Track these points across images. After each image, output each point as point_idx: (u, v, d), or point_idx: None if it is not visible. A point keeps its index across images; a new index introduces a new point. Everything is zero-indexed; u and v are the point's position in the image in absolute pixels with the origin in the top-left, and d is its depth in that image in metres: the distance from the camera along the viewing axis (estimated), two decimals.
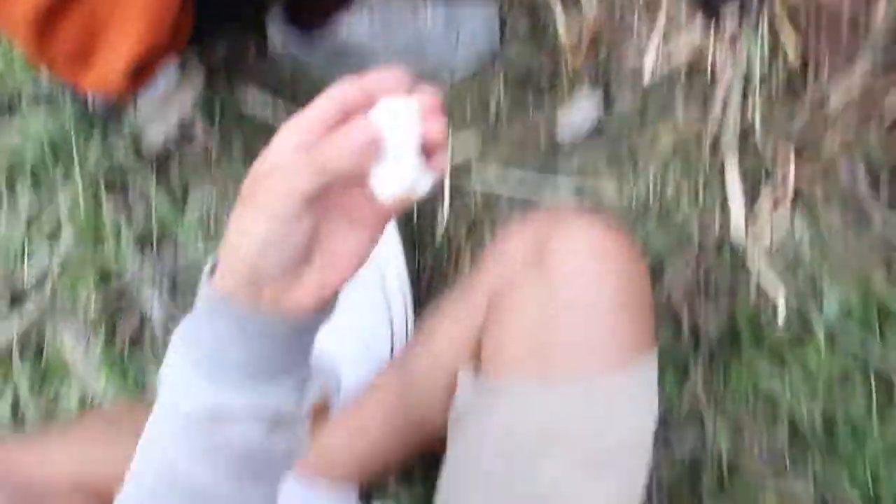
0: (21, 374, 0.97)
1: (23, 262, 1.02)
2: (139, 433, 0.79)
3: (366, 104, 0.40)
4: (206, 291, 0.44)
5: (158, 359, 0.98)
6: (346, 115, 0.40)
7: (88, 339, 0.98)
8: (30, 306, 1.00)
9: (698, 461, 0.93)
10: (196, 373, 0.45)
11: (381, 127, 0.38)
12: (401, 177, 0.39)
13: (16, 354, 0.98)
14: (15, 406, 0.97)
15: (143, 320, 1.00)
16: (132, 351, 0.99)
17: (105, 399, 0.96)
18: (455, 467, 0.73)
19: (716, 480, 0.92)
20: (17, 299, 1.01)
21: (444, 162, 0.41)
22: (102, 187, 1.03)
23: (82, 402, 0.96)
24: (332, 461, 0.86)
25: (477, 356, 0.73)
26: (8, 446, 0.77)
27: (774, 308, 0.96)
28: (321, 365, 0.90)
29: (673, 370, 0.95)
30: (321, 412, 0.90)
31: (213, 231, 1.02)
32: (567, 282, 0.68)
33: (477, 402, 0.71)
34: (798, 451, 0.93)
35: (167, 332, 0.98)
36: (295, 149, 0.39)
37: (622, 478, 0.69)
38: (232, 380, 0.44)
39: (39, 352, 0.99)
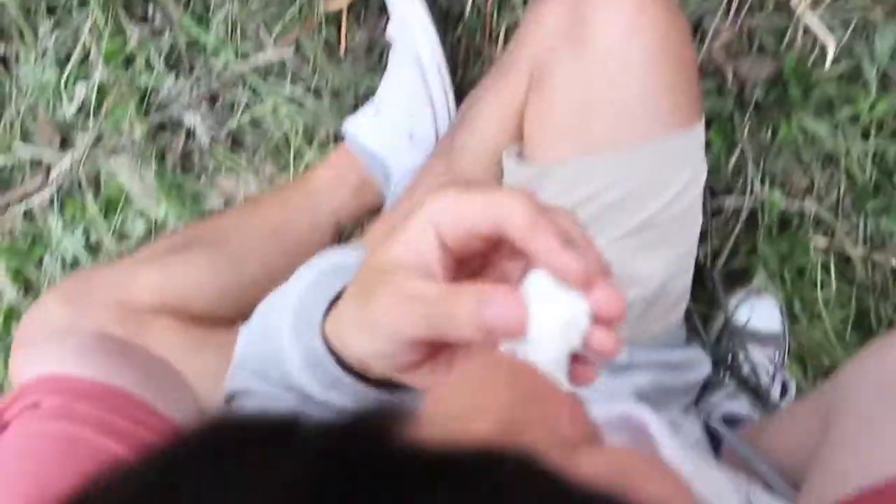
0: (87, 207, 1.01)
1: (61, 100, 1.02)
2: (212, 254, 0.84)
3: (525, 246, 0.32)
4: (316, 322, 0.43)
5: (210, 176, 1.01)
6: (496, 242, 0.33)
7: (140, 166, 1.00)
8: (79, 142, 1.02)
9: (749, 216, 0.94)
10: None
11: (532, 312, 0.30)
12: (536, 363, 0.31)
13: (76, 189, 1.02)
14: (87, 238, 1.01)
15: (189, 138, 1.02)
16: (184, 171, 1.02)
17: (168, 222, 1.00)
18: None
19: (766, 232, 0.94)
20: (66, 139, 1.03)
21: (594, 376, 0.33)
22: (122, 10, 1.00)
23: (148, 230, 1.01)
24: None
25: (520, 136, 0.73)
26: (93, 273, 0.81)
27: (823, 51, 0.92)
28: (368, 157, 0.92)
29: (719, 128, 0.93)
30: (374, 203, 0.93)
31: (240, 43, 0.99)
32: (606, 51, 0.66)
33: (524, 185, 0.72)
34: (848, 197, 0.93)
35: (213, 145, 1.00)
36: (423, 267, 0.33)
37: (674, 243, 0.70)
38: None
39: (98, 186, 1.02)
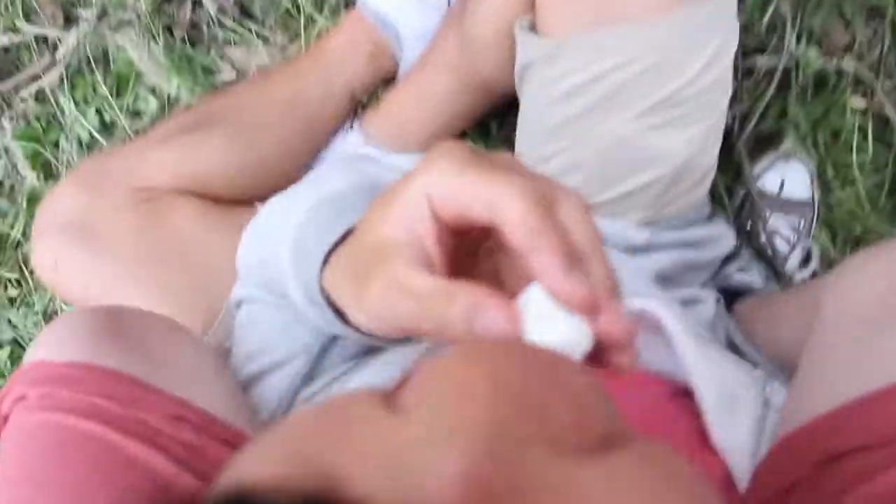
0: (99, 84, 0.99)
1: None
2: (225, 131, 0.82)
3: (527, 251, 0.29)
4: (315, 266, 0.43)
5: (220, 47, 0.98)
6: (490, 232, 0.30)
7: (148, 41, 0.97)
8: (83, 19, 0.99)
9: (783, 76, 0.89)
10: None
11: (528, 330, 0.28)
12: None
13: (85, 68, 1.00)
14: (101, 118, 1.00)
15: (196, 8, 0.98)
16: (193, 44, 0.99)
17: (181, 98, 0.98)
18: (529, 119, 0.73)
19: (800, 93, 0.90)
20: (69, 17, 1.00)
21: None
22: None
23: (161, 106, 0.99)
24: (404, 134, 0.88)
25: (532, 5, 0.69)
26: (106, 157, 0.81)
27: None
28: (380, 21, 0.88)
29: None
30: (389, 70, 0.90)
31: None
32: None
33: (538, 57, 0.68)
34: (892, 55, 0.88)
35: (221, 15, 0.96)
36: (416, 252, 0.31)
37: (700, 119, 0.66)
38: None
39: (107, 64, 1.00)
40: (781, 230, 0.90)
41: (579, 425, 0.21)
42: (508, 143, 0.84)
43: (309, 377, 0.63)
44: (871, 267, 0.45)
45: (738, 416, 0.49)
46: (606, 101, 0.64)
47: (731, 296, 0.78)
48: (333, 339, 0.63)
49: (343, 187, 0.49)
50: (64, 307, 1.02)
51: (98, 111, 0.99)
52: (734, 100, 0.88)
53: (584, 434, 0.21)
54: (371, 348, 0.63)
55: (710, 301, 0.75)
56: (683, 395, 0.53)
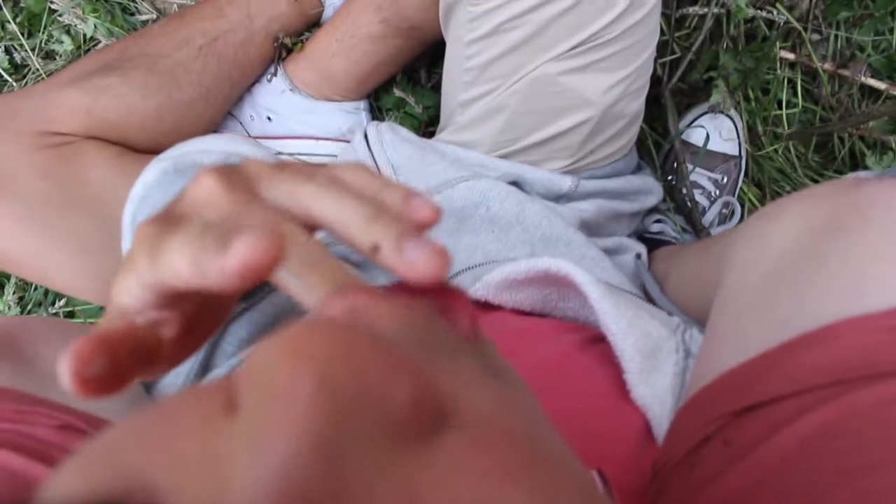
0: (9, 22, 0.95)
1: None
2: (142, 73, 0.79)
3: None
4: None
5: None
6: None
7: None
8: None
9: (714, 28, 0.89)
10: None
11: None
12: None
13: None
14: (11, 59, 0.96)
15: None
16: None
17: (98, 37, 0.94)
18: (453, 59, 0.72)
19: (730, 44, 0.90)
20: None
21: None
22: None
23: (77, 47, 0.95)
24: (329, 80, 0.86)
25: None
26: (13, 97, 0.77)
27: None
28: None
29: None
30: (314, 14, 0.88)
31: None
32: None
33: None
34: (819, 8, 0.88)
35: None
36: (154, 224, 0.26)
37: (626, 63, 0.65)
38: None
39: (16, 1, 0.96)
40: (703, 184, 0.91)
41: (420, 403, 0.19)
42: (437, 91, 0.83)
43: (205, 369, 0.61)
44: (775, 221, 0.45)
45: (660, 370, 0.49)
46: (529, 41, 0.64)
47: (648, 244, 0.79)
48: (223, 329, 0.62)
49: (193, 156, 0.48)
50: None
51: (7, 50, 0.95)
52: (665, 50, 0.87)
53: (424, 413, 0.19)
54: (266, 329, 0.62)
55: (633, 250, 0.75)
56: (601, 340, 0.53)
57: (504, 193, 0.67)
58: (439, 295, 0.24)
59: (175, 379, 0.61)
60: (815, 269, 0.38)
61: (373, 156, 0.72)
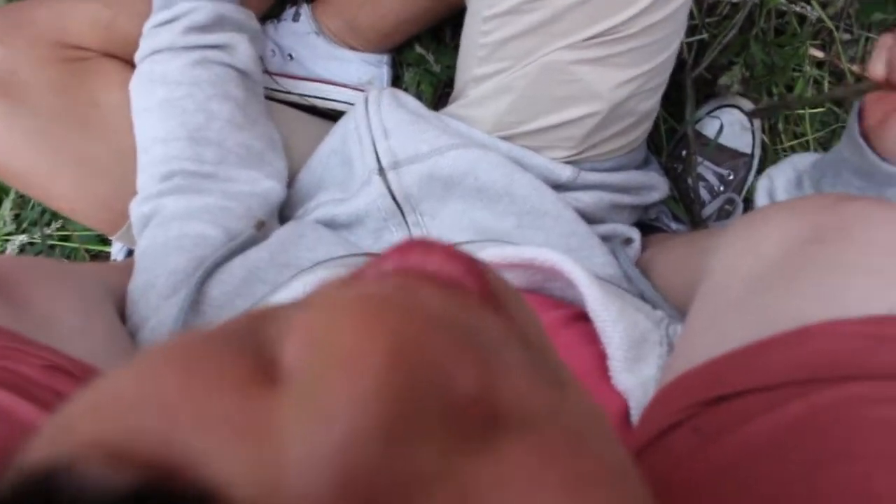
0: None
1: None
2: None
3: None
4: None
5: None
6: None
7: None
8: None
9: (746, 17, 0.91)
10: None
11: None
12: None
13: None
14: None
15: None
16: None
17: None
18: (469, 34, 0.73)
19: (760, 36, 0.91)
20: None
21: None
22: None
23: None
24: (354, 31, 0.87)
25: None
26: (27, 6, 0.76)
27: None
28: None
29: None
30: None
31: None
32: None
33: None
34: (854, 7, 0.90)
35: None
36: None
37: (643, 60, 0.66)
38: None
39: None
40: (707, 177, 0.93)
41: (482, 395, 0.18)
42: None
43: (193, 322, 0.62)
44: (761, 229, 0.47)
45: (644, 361, 0.51)
46: (546, 25, 0.65)
47: (641, 229, 0.80)
48: (214, 267, 0.64)
49: None
50: None
51: None
52: (692, 34, 0.89)
53: (484, 407, 0.18)
54: (258, 279, 0.64)
55: (624, 236, 0.76)
56: (582, 319, 0.54)
57: (493, 163, 0.69)
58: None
59: (160, 326, 0.63)
60: (796, 275, 0.41)
61: (368, 117, 0.74)
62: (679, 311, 0.60)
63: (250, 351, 0.19)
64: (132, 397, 0.18)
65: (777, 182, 0.75)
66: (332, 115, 0.89)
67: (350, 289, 0.19)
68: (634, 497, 0.19)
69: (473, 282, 0.22)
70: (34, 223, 1.02)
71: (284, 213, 0.79)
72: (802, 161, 0.74)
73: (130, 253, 0.88)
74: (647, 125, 0.75)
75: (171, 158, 0.70)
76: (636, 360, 0.50)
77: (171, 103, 0.71)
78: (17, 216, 1.03)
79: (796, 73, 0.93)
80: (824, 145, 0.96)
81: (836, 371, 0.34)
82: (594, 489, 0.18)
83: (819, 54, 0.90)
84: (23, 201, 1.03)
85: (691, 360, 0.42)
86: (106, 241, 1.01)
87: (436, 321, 0.18)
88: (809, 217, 0.44)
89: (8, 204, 1.02)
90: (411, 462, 0.16)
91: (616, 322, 0.51)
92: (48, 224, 1.02)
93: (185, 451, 0.16)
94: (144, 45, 0.73)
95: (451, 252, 0.22)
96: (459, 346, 0.18)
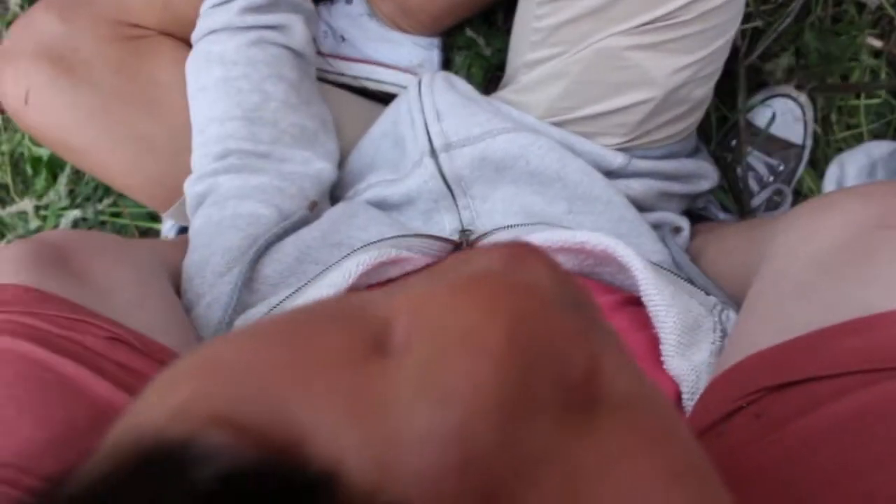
0: None
1: None
2: None
3: None
4: None
5: None
6: None
7: None
8: None
9: (802, 7, 0.90)
10: None
11: None
12: None
13: None
14: None
15: None
16: None
17: None
18: (523, 19, 0.73)
19: (816, 24, 0.90)
20: None
21: None
22: None
23: None
24: (406, 13, 0.88)
25: None
26: None
27: None
28: None
29: None
30: None
31: None
32: None
33: None
34: None
35: None
36: None
37: (698, 47, 0.66)
38: None
39: None
40: (757, 167, 0.92)
41: (589, 377, 0.18)
42: (510, 36, 0.84)
43: (247, 300, 0.63)
44: (826, 214, 0.47)
45: (697, 346, 0.51)
46: (602, 10, 0.65)
47: (690, 218, 0.80)
48: (267, 246, 0.65)
49: None
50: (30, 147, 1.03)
51: None
52: (747, 21, 0.88)
53: (591, 386, 0.18)
54: (310, 258, 0.65)
55: (674, 224, 0.76)
56: (633, 304, 0.55)
57: (546, 148, 0.69)
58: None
59: (214, 303, 0.64)
60: (863, 262, 0.40)
61: (420, 100, 0.74)
62: (732, 298, 0.60)
63: (358, 329, 0.19)
64: (241, 371, 0.18)
65: (848, 169, 0.74)
66: (383, 98, 0.90)
67: (460, 270, 0.19)
68: (716, 485, 0.19)
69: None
70: (88, 199, 1.05)
71: (335, 193, 0.80)
72: (879, 148, 0.73)
73: (182, 231, 0.90)
74: (700, 113, 0.74)
75: (226, 137, 0.71)
76: (689, 345, 0.50)
77: (227, 83, 0.72)
78: (71, 191, 1.05)
79: (853, 63, 0.91)
80: (879, 137, 0.94)
81: None
82: (689, 475, 0.18)
83: (877, 43, 0.89)
84: (77, 177, 1.05)
85: (752, 346, 0.42)
86: (156, 219, 1.03)
87: (551, 301, 0.18)
88: (878, 201, 0.44)
89: (63, 179, 1.04)
90: (527, 443, 0.16)
91: (670, 306, 0.51)
92: (101, 200, 1.05)
93: (299, 427, 0.16)
94: (202, 25, 0.74)
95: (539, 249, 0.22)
96: (574, 326, 0.18)
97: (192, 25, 0.76)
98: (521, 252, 0.21)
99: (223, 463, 0.15)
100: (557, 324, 0.18)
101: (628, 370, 0.20)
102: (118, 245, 0.61)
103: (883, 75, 0.91)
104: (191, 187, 0.73)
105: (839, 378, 0.35)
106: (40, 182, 1.05)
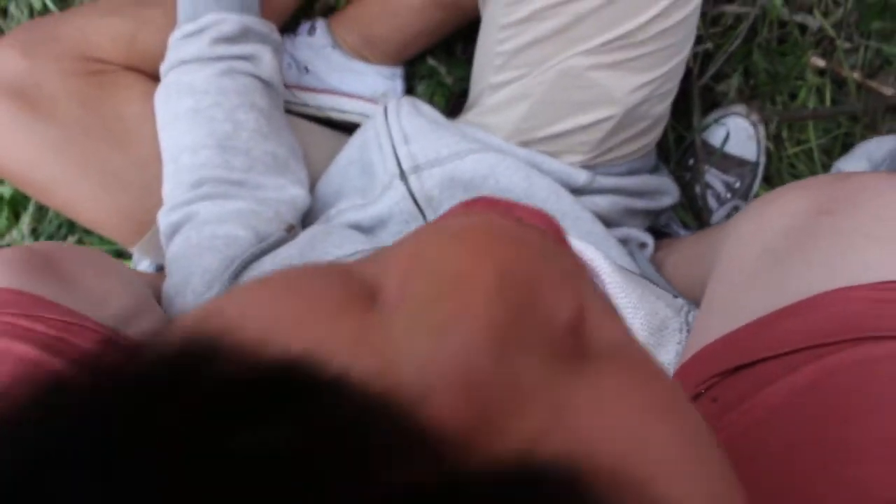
0: None
1: None
2: None
3: None
4: None
5: None
6: None
7: None
8: None
9: (749, 28, 0.94)
10: None
11: None
12: None
13: None
14: None
15: None
16: None
17: None
18: (485, 43, 0.76)
19: (763, 45, 0.95)
20: None
21: None
22: None
23: None
24: (369, 44, 0.90)
25: None
26: (52, 21, 0.79)
27: None
28: None
29: None
30: None
31: None
32: None
33: None
34: (854, 16, 0.93)
35: None
36: None
37: (656, 65, 0.68)
38: None
39: None
40: (715, 185, 0.95)
41: (576, 323, 0.20)
42: (471, 63, 0.87)
43: None
44: (772, 205, 0.50)
45: (664, 347, 0.53)
46: (563, 32, 0.67)
47: (655, 235, 0.83)
48: (244, 265, 0.66)
49: None
50: None
51: None
52: (698, 43, 0.92)
53: (578, 333, 0.20)
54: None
55: (639, 240, 0.79)
56: None
57: (513, 168, 0.71)
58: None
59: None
60: (806, 246, 0.43)
61: (388, 124, 0.76)
62: (694, 302, 0.63)
63: (355, 281, 0.21)
64: (248, 313, 0.19)
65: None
66: (347, 128, 0.92)
67: (448, 223, 0.21)
68: (698, 418, 0.20)
69: (550, 225, 0.24)
70: (51, 237, 1.05)
71: (306, 221, 0.81)
72: (879, 149, 0.75)
73: (160, 269, 0.90)
74: (659, 130, 0.77)
75: (200, 166, 0.72)
76: (656, 345, 0.52)
77: (198, 112, 0.73)
78: (34, 230, 1.05)
79: (799, 82, 0.96)
80: (827, 153, 0.99)
81: (848, 335, 0.36)
82: (676, 410, 0.19)
83: (821, 63, 0.94)
84: (40, 214, 1.05)
85: (708, 337, 0.45)
86: (123, 255, 1.03)
87: (540, 251, 0.20)
88: (819, 190, 0.46)
89: (26, 218, 1.04)
90: (520, 372, 0.17)
91: (637, 309, 0.53)
92: (65, 238, 1.04)
93: (309, 350, 0.17)
94: (171, 56, 0.76)
95: (522, 204, 0.24)
96: (560, 273, 0.20)
97: (159, 60, 0.77)
98: (511, 208, 0.22)
99: (246, 370, 0.15)
100: (545, 271, 0.20)
101: (612, 319, 0.21)
102: (105, 259, 0.61)
103: (828, 92, 0.96)
104: (164, 217, 0.73)
105: (787, 356, 0.38)
106: (2, 221, 1.04)
